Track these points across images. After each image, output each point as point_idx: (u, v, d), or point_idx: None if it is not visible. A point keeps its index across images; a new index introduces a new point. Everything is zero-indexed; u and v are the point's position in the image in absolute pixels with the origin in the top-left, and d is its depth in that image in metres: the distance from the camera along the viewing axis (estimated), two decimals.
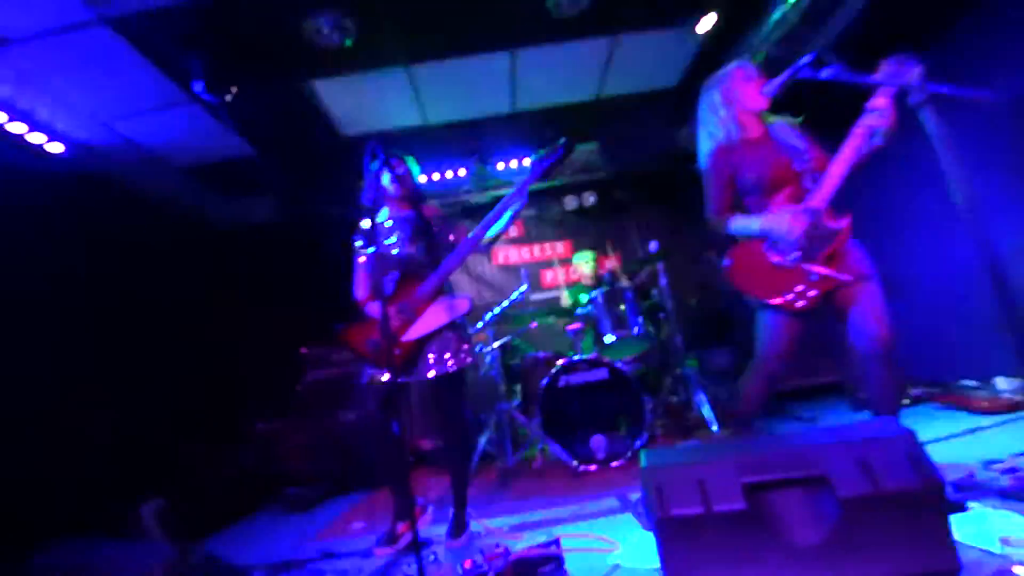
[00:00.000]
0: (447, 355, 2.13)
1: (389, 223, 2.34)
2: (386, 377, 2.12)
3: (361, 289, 2.30)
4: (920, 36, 3.03)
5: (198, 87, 3.14)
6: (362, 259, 2.30)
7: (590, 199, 5.23)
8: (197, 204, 4.57)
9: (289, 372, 3.88)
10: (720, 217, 1.98)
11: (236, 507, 3.37)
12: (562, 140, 2.12)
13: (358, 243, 2.34)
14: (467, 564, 1.67)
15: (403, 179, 2.32)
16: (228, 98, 3.11)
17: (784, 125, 1.99)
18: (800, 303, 1.79)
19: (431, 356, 2.13)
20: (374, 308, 2.20)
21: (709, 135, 2.03)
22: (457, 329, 2.19)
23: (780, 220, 1.80)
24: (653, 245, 3.60)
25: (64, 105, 3.11)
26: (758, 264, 1.88)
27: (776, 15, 2.89)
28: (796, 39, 2.93)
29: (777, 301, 1.83)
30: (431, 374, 2.11)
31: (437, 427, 2.30)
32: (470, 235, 2.13)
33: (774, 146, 1.92)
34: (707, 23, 3.15)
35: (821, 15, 2.81)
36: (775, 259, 1.85)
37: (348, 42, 2.99)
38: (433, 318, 2.12)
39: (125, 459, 3.07)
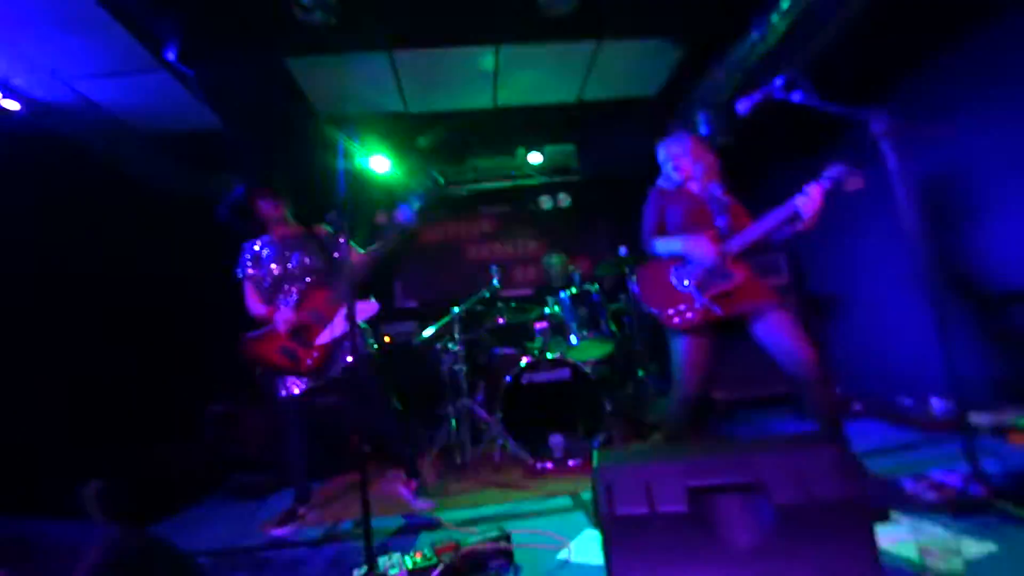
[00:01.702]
0: (356, 345, 2.33)
1: (285, 240, 2.52)
2: (297, 390, 2.32)
3: (257, 307, 2.46)
4: (888, 70, 3.20)
5: (170, 55, 3.02)
6: (251, 272, 2.50)
7: (564, 200, 5.28)
8: (162, 174, 4.39)
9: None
10: (648, 240, 2.32)
11: (185, 491, 3.28)
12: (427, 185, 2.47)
13: (241, 265, 2.55)
14: (417, 556, 1.68)
15: (275, 203, 2.54)
16: (200, 68, 3.00)
17: (716, 190, 2.30)
18: (676, 320, 2.10)
19: (345, 353, 2.33)
20: (280, 317, 2.31)
21: (661, 176, 2.41)
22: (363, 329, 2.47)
23: (698, 244, 2.10)
24: (623, 249, 3.67)
25: (23, 60, 2.94)
26: (659, 280, 2.22)
27: (755, 36, 2.98)
28: (771, 63, 3.03)
29: (658, 311, 2.16)
30: (346, 363, 2.32)
31: (361, 405, 2.42)
32: (364, 253, 2.40)
33: (700, 200, 2.27)
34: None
35: (799, 40, 2.92)
36: (673, 280, 2.18)
37: (331, 21, 2.92)
38: (344, 322, 2.28)
39: (72, 437, 2.94)
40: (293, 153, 4.27)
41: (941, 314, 1.68)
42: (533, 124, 4.41)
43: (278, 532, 2.20)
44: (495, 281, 3.52)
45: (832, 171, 1.91)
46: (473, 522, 2.18)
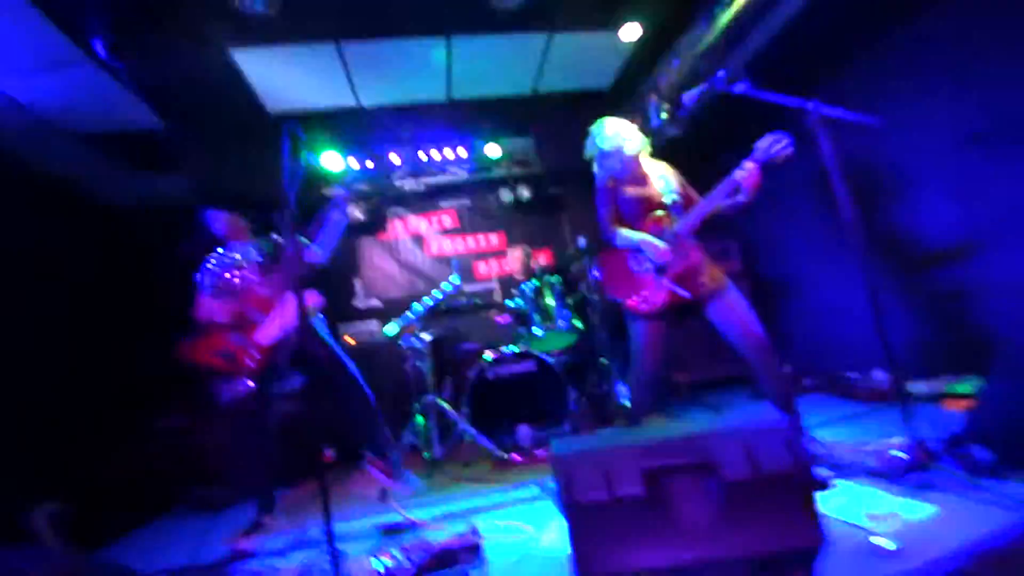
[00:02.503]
0: (308, 339, 2.33)
1: (233, 255, 2.52)
2: (242, 392, 2.26)
3: (200, 311, 2.44)
4: (821, 62, 3.34)
5: (98, 46, 2.84)
6: (197, 290, 2.49)
7: (524, 193, 5.28)
8: (95, 177, 4.14)
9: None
10: (610, 230, 2.34)
11: (140, 509, 3.14)
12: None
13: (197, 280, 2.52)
14: (386, 557, 1.67)
15: (234, 224, 2.60)
16: (132, 60, 2.84)
17: (664, 171, 2.36)
18: (643, 306, 2.17)
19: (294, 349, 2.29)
20: (220, 314, 2.30)
21: (601, 169, 2.39)
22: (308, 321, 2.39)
23: (655, 244, 2.16)
24: (582, 241, 3.71)
25: None
26: (620, 269, 2.28)
27: (702, 28, 3.06)
28: (715, 55, 3.11)
29: (623, 299, 2.22)
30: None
31: (330, 396, 2.40)
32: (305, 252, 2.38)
33: (648, 185, 2.31)
34: (631, 32, 3.29)
35: (738, 36, 3.01)
36: (634, 267, 2.24)
37: (272, 10, 2.82)
38: (284, 318, 2.27)
39: (15, 459, 2.77)
40: (240, 151, 4.11)
41: (874, 290, 1.78)
42: (489, 116, 4.39)
43: (244, 545, 2.13)
44: (456, 276, 3.50)
45: (762, 143, 1.98)
46: (443, 518, 2.18)
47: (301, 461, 3.32)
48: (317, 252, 2.39)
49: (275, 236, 2.60)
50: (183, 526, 2.88)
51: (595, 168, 2.43)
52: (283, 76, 3.56)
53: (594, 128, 2.41)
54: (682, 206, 2.25)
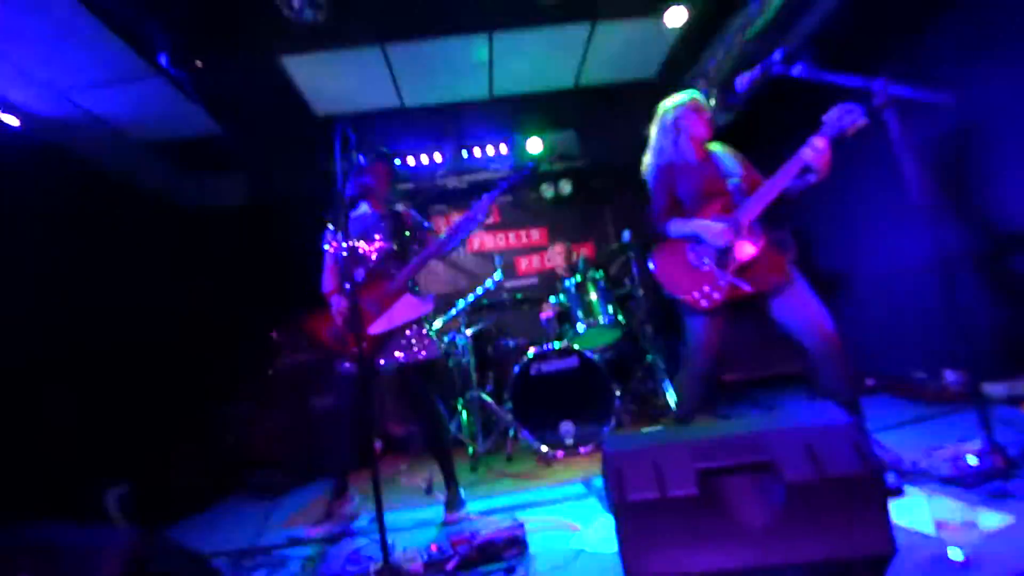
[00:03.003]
0: (415, 345, 2.22)
1: (365, 218, 2.38)
2: (345, 370, 2.22)
3: (328, 282, 2.36)
4: (886, 40, 3.12)
5: (163, 60, 3.02)
6: (329, 249, 2.36)
7: (566, 187, 5.23)
8: (163, 182, 4.41)
9: (259, 357, 3.81)
10: (661, 221, 2.18)
11: (203, 493, 3.33)
12: (530, 164, 2.31)
13: (328, 235, 2.40)
14: (432, 548, 1.70)
15: (384, 176, 2.42)
16: (194, 71, 3.00)
17: (725, 153, 2.20)
18: (704, 303, 2.01)
19: (397, 348, 2.21)
20: (339, 300, 2.25)
21: (658, 151, 2.25)
22: (421, 324, 2.30)
23: (712, 227, 2.00)
24: (626, 235, 3.64)
25: (18, 73, 2.95)
26: (677, 262, 2.11)
27: (752, 9, 2.93)
28: (768, 37, 2.97)
29: (683, 297, 2.05)
30: (399, 355, 2.20)
31: (409, 413, 2.38)
32: (435, 243, 2.25)
33: (712, 167, 2.14)
34: (677, 16, 3.16)
35: (793, 15, 2.86)
36: (693, 261, 2.07)
37: (321, 18, 2.90)
38: (399, 314, 2.20)
39: (90, 444, 2.99)
40: (290, 152, 4.26)
41: (948, 282, 1.65)
42: (531, 111, 4.37)
43: (313, 532, 2.19)
44: (499, 272, 3.51)
45: (830, 116, 1.82)
46: (487, 512, 2.19)
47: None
48: (442, 240, 2.25)
49: (411, 213, 2.46)
50: (243, 510, 3.03)
51: (650, 150, 2.29)
52: (330, 79, 3.66)
53: (660, 109, 2.27)
54: (745, 190, 2.07)
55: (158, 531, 2.37)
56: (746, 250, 1.97)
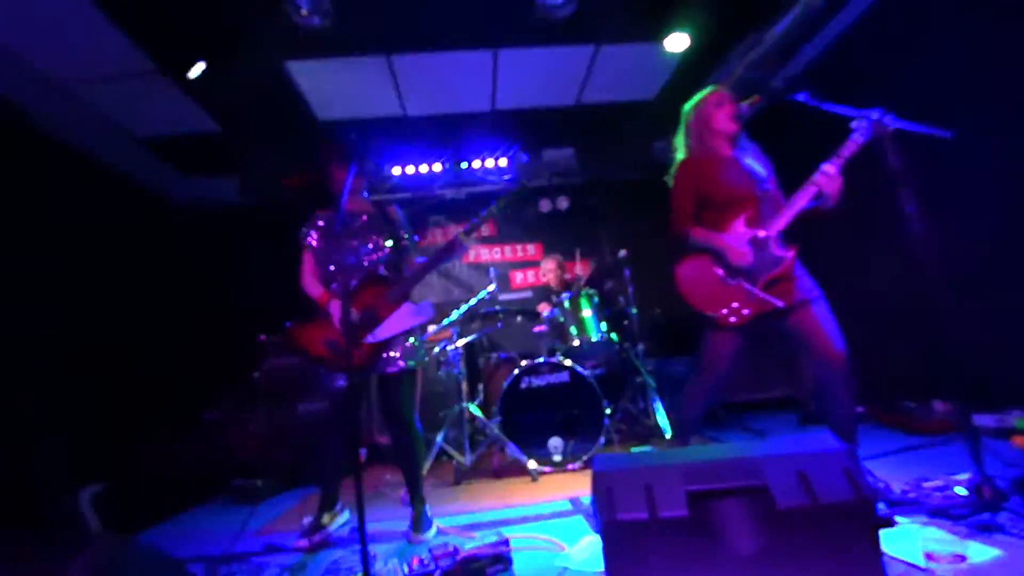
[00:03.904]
0: (397, 354, 2.15)
1: (354, 221, 2.28)
2: (339, 382, 2.14)
3: (313, 286, 2.24)
4: (879, 74, 3.19)
5: (168, 59, 3.02)
6: (312, 244, 2.27)
7: (563, 203, 5.27)
8: (157, 178, 4.39)
9: (246, 360, 3.76)
10: (683, 225, 2.07)
11: (181, 497, 3.25)
12: (495, 206, 2.19)
13: (308, 234, 2.29)
14: (414, 562, 1.66)
15: (365, 176, 2.37)
16: (198, 72, 3.00)
17: (753, 149, 2.11)
18: (733, 319, 1.92)
19: (387, 356, 2.13)
20: (335, 307, 2.14)
21: (682, 148, 2.15)
22: (414, 333, 2.23)
23: (737, 247, 1.93)
24: (622, 253, 3.65)
25: (11, 60, 2.93)
26: (704, 276, 2.00)
27: (750, 41, 2.99)
28: (768, 65, 3.03)
29: (712, 313, 1.95)
30: (380, 371, 2.14)
31: (386, 424, 2.30)
32: (417, 266, 2.19)
33: (739, 169, 2.03)
34: (678, 42, 3.21)
35: (797, 44, 2.92)
36: (720, 274, 1.97)
37: (328, 24, 2.92)
38: (397, 323, 2.10)
39: (66, 444, 2.92)
40: (290, 156, 4.26)
41: (937, 313, 1.66)
42: (532, 127, 4.40)
43: (304, 543, 2.11)
44: (494, 284, 3.50)
45: (843, 149, 1.84)
46: (472, 527, 2.15)
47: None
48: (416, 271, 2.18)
49: (395, 211, 2.34)
50: (223, 515, 2.96)
51: (675, 151, 2.17)
52: (334, 86, 3.68)
53: (684, 108, 2.16)
54: (773, 198, 1.99)
55: (132, 535, 2.30)
56: (773, 266, 1.91)
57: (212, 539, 2.41)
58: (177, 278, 4.44)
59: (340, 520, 2.27)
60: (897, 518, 1.65)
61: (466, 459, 3.11)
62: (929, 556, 1.34)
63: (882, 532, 1.50)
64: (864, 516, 0.97)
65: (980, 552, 1.38)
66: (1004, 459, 1.92)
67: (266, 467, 3.37)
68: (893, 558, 1.38)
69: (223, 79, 3.22)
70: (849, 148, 1.81)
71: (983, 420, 2.59)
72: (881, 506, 1.71)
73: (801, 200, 1.89)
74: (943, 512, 1.65)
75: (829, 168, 1.84)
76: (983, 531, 1.50)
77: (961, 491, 1.67)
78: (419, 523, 2.12)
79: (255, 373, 3.67)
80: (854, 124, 1.80)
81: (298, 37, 3.02)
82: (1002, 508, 1.53)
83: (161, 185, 4.49)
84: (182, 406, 3.81)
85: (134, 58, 3.03)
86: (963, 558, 1.32)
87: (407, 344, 2.19)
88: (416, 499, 2.18)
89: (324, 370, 2.15)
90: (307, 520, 2.22)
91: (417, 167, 4.76)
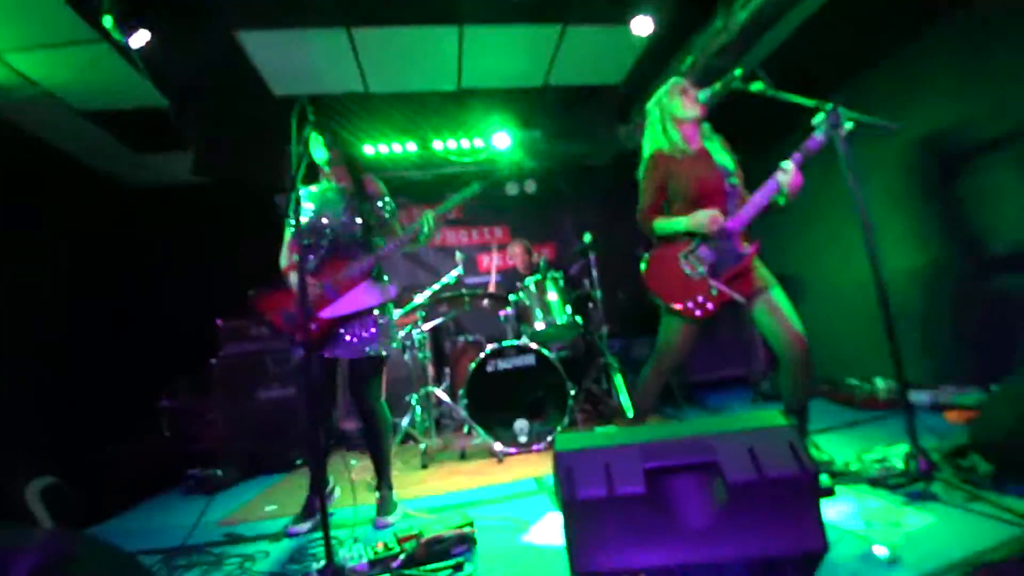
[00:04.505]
0: (367, 338, 2.10)
1: (326, 193, 2.23)
2: (297, 354, 2.07)
3: (287, 258, 2.21)
4: (842, 64, 3.30)
5: (107, 23, 2.81)
6: (289, 230, 2.21)
7: (531, 186, 5.25)
8: (104, 154, 4.13)
9: (203, 346, 3.63)
10: (648, 217, 2.11)
11: (137, 489, 3.14)
12: (475, 185, 2.23)
13: (284, 206, 2.25)
14: (379, 546, 1.66)
15: (339, 147, 2.24)
16: (141, 41, 2.81)
17: (720, 144, 2.15)
18: (698, 312, 2.00)
19: (350, 337, 2.09)
20: (293, 278, 2.12)
21: (648, 141, 2.17)
22: (381, 315, 2.17)
23: (702, 217, 1.96)
24: (587, 237, 3.69)
25: None
26: (669, 270, 2.06)
27: (717, 25, 3.02)
28: (730, 53, 3.08)
29: (678, 307, 2.02)
30: (351, 345, 2.08)
31: (353, 410, 2.27)
32: (391, 243, 2.14)
33: (708, 163, 2.08)
34: (643, 26, 3.21)
35: (755, 34, 2.98)
36: (685, 268, 2.03)
37: None
38: (357, 299, 2.09)
39: (12, 434, 2.76)
40: (245, 132, 4.08)
41: (883, 295, 1.76)
42: (498, 108, 4.35)
43: (296, 529, 2.06)
44: (460, 267, 3.48)
45: (804, 145, 1.89)
46: (438, 510, 2.17)
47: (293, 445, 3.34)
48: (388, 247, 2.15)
49: (377, 184, 2.31)
50: (180, 506, 2.88)
51: (642, 144, 2.18)
52: (290, 59, 3.52)
53: (667, 88, 2.14)
54: (740, 194, 2.06)
55: (84, 529, 2.22)
56: (741, 258, 1.98)
57: (169, 531, 2.35)
58: (129, 259, 4.23)
59: (334, 498, 2.26)
60: (839, 488, 1.76)
61: (433, 442, 3.12)
62: (869, 524, 1.44)
63: (825, 502, 1.60)
64: (807, 488, 1.02)
65: (914, 519, 1.48)
66: (938, 433, 2.06)
67: (225, 456, 3.29)
68: (835, 526, 1.47)
69: (169, 49, 3.03)
70: (809, 146, 1.87)
71: (920, 396, 2.77)
72: (825, 477, 1.81)
73: (762, 197, 1.96)
74: (881, 483, 1.76)
75: (789, 165, 1.91)
76: (917, 500, 1.61)
77: (898, 463, 1.79)
78: (385, 507, 2.12)
79: (212, 360, 3.55)
80: (814, 122, 1.85)
81: (250, 4, 2.87)
82: (935, 479, 1.64)
83: (105, 161, 4.22)
84: (137, 394, 3.66)
85: (71, 23, 2.81)
86: (899, 524, 1.43)
87: (377, 329, 2.14)
88: (383, 484, 2.18)
89: (289, 344, 2.11)
90: (268, 508, 2.18)
91: (379, 147, 4.63)
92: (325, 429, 2.17)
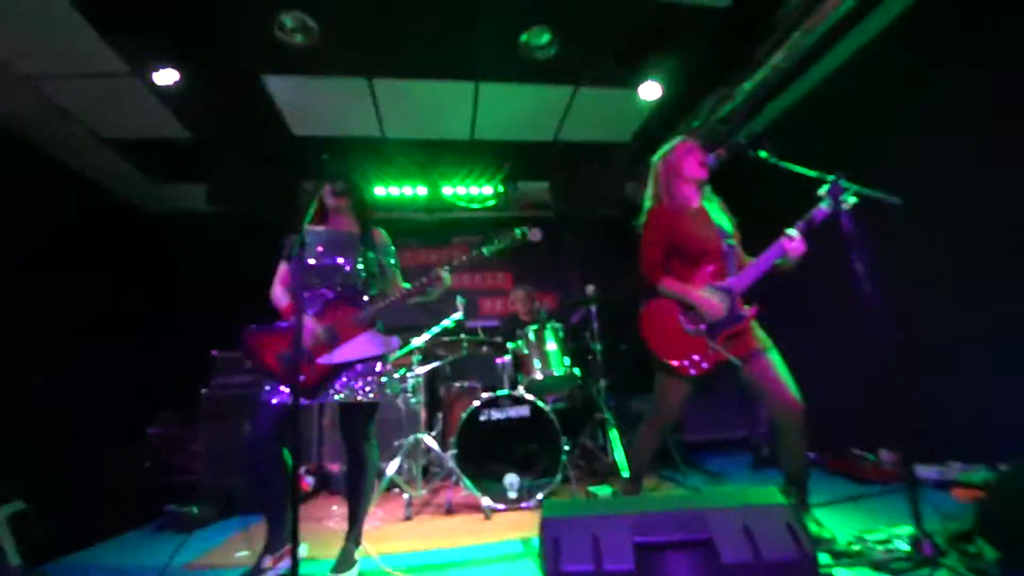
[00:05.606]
0: (364, 385, 2.04)
1: (333, 236, 2.22)
2: (276, 400, 1.97)
3: (283, 296, 2.16)
4: (848, 136, 3.38)
5: (140, 63, 2.96)
6: (283, 265, 2.19)
7: (536, 235, 5.31)
8: (122, 181, 4.23)
9: (197, 375, 3.58)
10: (654, 273, 2.11)
11: (111, 521, 3.01)
12: (518, 231, 2.27)
13: (289, 245, 2.14)
14: None
15: (353, 193, 2.25)
16: (169, 80, 2.94)
17: (720, 205, 2.19)
18: (693, 371, 1.99)
19: (344, 382, 2.02)
20: (306, 322, 2.02)
21: (651, 197, 2.20)
22: (380, 362, 2.12)
23: (712, 302, 1.99)
24: (590, 288, 3.69)
25: None
26: (668, 325, 2.05)
27: (720, 94, 3.14)
28: (737, 119, 3.18)
29: (674, 363, 2.01)
30: (345, 391, 2.00)
31: (343, 454, 2.18)
32: (398, 294, 2.14)
33: (708, 222, 2.10)
34: (651, 91, 3.34)
35: (763, 102, 3.08)
36: (686, 326, 2.03)
37: (311, 44, 2.92)
38: (359, 348, 2.04)
39: None
40: (261, 169, 4.19)
41: (891, 368, 1.73)
42: (508, 159, 4.48)
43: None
44: (460, 312, 3.46)
45: (811, 215, 1.93)
46: (417, 570, 2.06)
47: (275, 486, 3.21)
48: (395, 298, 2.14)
49: (381, 234, 2.31)
50: (153, 543, 2.75)
51: (646, 199, 2.21)
52: (312, 102, 3.66)
53: (673, 147, 2.19)
54: (737, 256, 2.08)
55: (49, 561, 2.11)
56: (736, 322, 1.99)
57: (135, 573, 2.23)
58: (134, 282, 4.24)
59: (282, 567, 2.01)
60: (841, 570, 1.67)
61: (419, 493, 3.01)
62: None
63: None
64: (806, 573, 0.97)
65: None
66: (944, 512, 1.97)
67: (205, 491, 3.18)
68: None
69: (196, 86, 3.16)
70: (815, 216, 1.90)
71: (926, 472, 2.67)
72: (826, 556, 1.73)
73: (766, 261, 1.98)
74: (884, 566, 1.67)
75: (795, 233, 1.93)
76: None
77: (902, 546, 1.70)
78: (345, 562, 1.97)
79: (204, 390, 3.50)
80: (820, 192, 1.89)
81: (279, 52, 3.00)
82: (940, 565, 1.56)
83: (125, 187, 4.32)
84: (126, 419, 3.59)
85: (103, 56, 2.95)
86: None
87: (373, 378, 2.07)
88: (351, 535, 2.04)
89: (268, 384, 2.00)
90: (239, 554, 2.06)
91: (388, 189, 4.73)
92: (285, 481, 1.97)
